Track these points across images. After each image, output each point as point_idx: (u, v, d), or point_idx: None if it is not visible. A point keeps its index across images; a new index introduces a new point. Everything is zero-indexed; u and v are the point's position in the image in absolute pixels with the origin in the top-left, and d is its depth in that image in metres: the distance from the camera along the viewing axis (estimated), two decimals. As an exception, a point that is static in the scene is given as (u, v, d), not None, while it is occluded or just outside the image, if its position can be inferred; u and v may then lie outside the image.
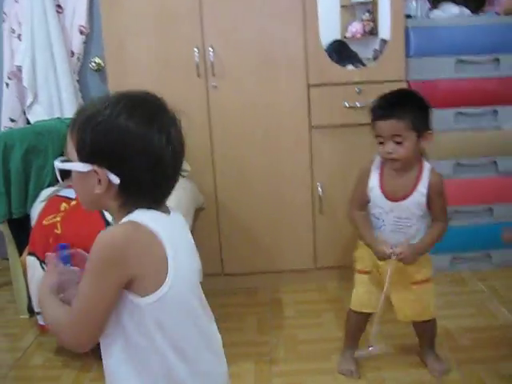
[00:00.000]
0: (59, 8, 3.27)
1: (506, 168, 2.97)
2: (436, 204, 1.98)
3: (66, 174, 1.16)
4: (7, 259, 2.90)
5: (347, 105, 2.78)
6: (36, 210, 2.57)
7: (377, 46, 3.24)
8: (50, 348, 2.55)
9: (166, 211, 1.17)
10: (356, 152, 2.78)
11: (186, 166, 2.69)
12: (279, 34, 2.79)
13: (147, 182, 1.10)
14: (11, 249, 2.80)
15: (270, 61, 2.80)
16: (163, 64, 2.81)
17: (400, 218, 2.00)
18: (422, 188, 1.96)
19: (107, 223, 2.10)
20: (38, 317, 2.47)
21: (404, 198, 1.98)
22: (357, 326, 2.23)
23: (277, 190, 2.93)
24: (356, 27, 3.41)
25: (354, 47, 3.28)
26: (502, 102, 2.95)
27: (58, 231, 2.32)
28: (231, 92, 2.82)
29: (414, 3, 3.02)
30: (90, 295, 1.06)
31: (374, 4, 3.36)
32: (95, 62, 3.37)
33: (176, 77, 2.80)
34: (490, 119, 2.96)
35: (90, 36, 3.36)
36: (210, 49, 2.75)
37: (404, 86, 2.75)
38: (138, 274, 1.04)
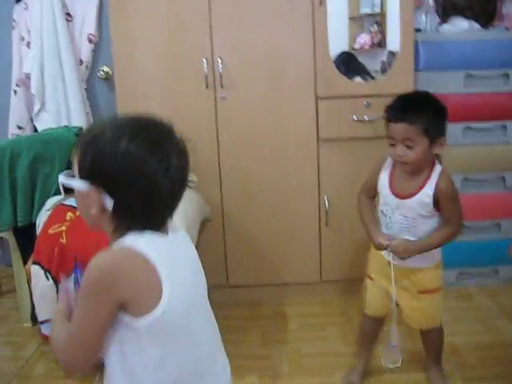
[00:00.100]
0: (69, 16, 3.28)
1: (514, 184, 2.95)
2: (445, 208, 1.94)
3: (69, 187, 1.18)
4: (12, 266, 2.89)
5: (355, 118, 2.77)
6: (41, 219, 2.57)
7: (384, 58, 3.24)
8: (52, 357, 2.53)
9: (165, 231, 1.17)
10: (363, 165, 2.73)
11: (192, 177, 2.69)
12: (288, 45, 2.78)
13: (141, 208, 1.10)
14: (16, 257, 2.80)
15: (279, 72, 2.79)
16: (172, 74, 2.80)
17: (406, 216, 1.98)
18: (429, 189, 1.94)
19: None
20: (42, 326, 2.46)
21: (410, 196, 1.96)
22: (369, 329, 2.23)
23: (283, 202, 2.91)
24: (364, 39, 3.41)
25: (361, 59, 3.28)
26: (512, 117, 2.94)
27: (64, 241, 2.31)
28: (239, 103, 2.81)
29: (423, 17, 3.02)
30: (82, 318, 1.09)
31: (383, 16, 3.36)
32: (103, 71, 3.37)
33: (184, 87, 2.80)
34: (498, 134, 2.94)
35: (99, 45, 3.37)
36: (219, 60, 2.75)
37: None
38: (130, 297, 1.06)
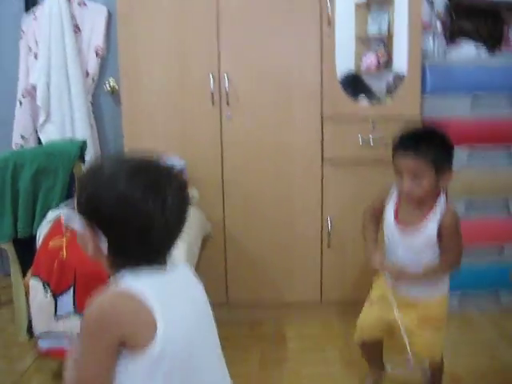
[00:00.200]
0: (77, 28, 3.29)
1: (517, 209, 2.94)
2: (445, 241, 1.95)
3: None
4: (10, 275, 2.88)
5: (361, 139, 2.77)
6: (42, 231, 2.55)
7: (390, 79, 3.24)
8: (47, 372, 2.51)
9: (163, 268, 1.18)
10: (368, 187, 2.75)
11: (194, 193, 2.68)
12: (295, 64, 2.79)
13: (137, 248, 1.13)
14: (15, 268, 2.77)
15: (285, 91, 2.80)
16: (178, 90, 2.81)
17: (410, 247, 1.99)
18: (433, 222, 1.94)
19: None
20: (40, 341, 2.43)
21: (414, 228, 1.96)
22: (369, 353, 2.22)
23: (286, 221, 2.90)
24: (370, 59, 3.41)
25: (367, 79, 3.28)
26: (517, 142, 2.93)
27: (63, 255, 2.29)
28: (244, 121, 2.81)
29: (430, 40, 3.02)
30: (83, 360, 1.11)
31: (389, 37, 3.37)
32: (110, 84, 3.38)
33: (190, 104, 2.80)
34: (503, 159, 2.94)
35: (106, 58, 3.37)
36: (226, 77, 2.75)
37: (418, 123, 2.73)
38: (127, 338, 1.08)
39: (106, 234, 1.12)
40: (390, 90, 3.14)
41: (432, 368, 2.15)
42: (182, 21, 2.77)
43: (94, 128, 3.37)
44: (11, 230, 2.70)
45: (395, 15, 3.26)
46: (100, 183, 1.12)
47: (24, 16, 3.33)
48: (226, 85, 2.75)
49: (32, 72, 3.29)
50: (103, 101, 3.45)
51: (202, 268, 2.56)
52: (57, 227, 2.48)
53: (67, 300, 2.28)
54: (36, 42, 3.28)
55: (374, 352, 2.24)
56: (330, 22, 2.73)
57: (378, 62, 3.41)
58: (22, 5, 3.35)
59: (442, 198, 1.97)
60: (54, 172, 2.73)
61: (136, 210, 1.09)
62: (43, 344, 2.37)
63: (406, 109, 2.77)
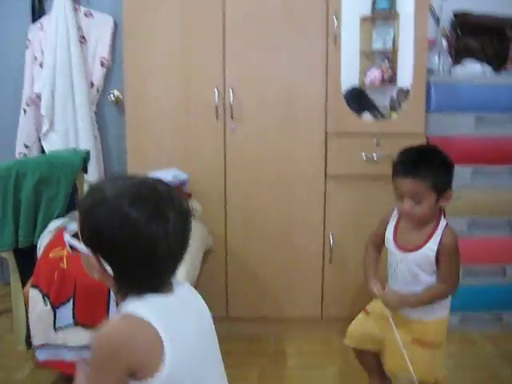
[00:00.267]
0: (83, 39, 3.30)
1: (520, 228, 2.92)
2: (443, 265, 1.93)
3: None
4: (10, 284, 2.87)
5: (364, 156, 2.76)
6: (43, 241, 2.54)
7: (394, 95, 3.24)
8: (45, 383, 2.48)
9: (168, 290, 1.18)
10: (370, 204, 2.75)
11: (197, 206, 2.67)
12: (300, 80, 2.79)
13: (141, 274, 1.13)
14: (14, 278, 2.76)
15: (290, 106, 2.79)
16: (182, 103, 2.81)
17: (409, 269, 1.97)
18: (433, 244, 1.93)
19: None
20: (38, 351, 2.41)
21: (414, 249, 1.95)
22: (365, 363, 2.21)
23: (288, 236, 2.89)
24: (375, 74, 3.42)
25: (371, 94, 3.28)
26: (521, 161, 2.93)
27: (64, 266, 2.28)
28: (248, 136, 2.81)
29: (436, 58, 3.02)
30: None
31: (394, 53, 3.37)
32: (114, 95, 3.38)
33: (194, 117, 2.80)
34: (507, 178, 2.93)
35: (111, 68, 3.38)
36: (231, 91, 2.75)
37: (423, 140, 2.73)
38: (136, 363, 1.08)
39: (109, 259, 1.12)
40: (394, 106, 3.15)
41: None
42: (188, 34, 2.77)
43: (97, 138, 3.37)
44: (12, 239, 2.69)
45: (400, 30, 3.28)
46: (102, 208, 1.11)
47: (30, 25, 3.34)
48: (231, 99, 2.75)
49: (37, 81, 3.30)
50: (107, 111, 3.46)
51: (202, 281, 2.55)
52: (58, 238, 2.47)
53: (66, 312, 2.27)
54: (42, 51, 3.29)
55: (367, 360, 2.22)
56: (336, 38, 2.72)
57: (383, 77, 3.42)
58: (28, 14, 3.37)
59: (442, 218, 1.97)
60: (57, 182, 2.73)
61: (139, 234, 1.09)
62: (41, 355, 2.36)
63: (411, 126, 2.77)
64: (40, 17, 3.35)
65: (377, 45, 3.44)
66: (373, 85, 3.37)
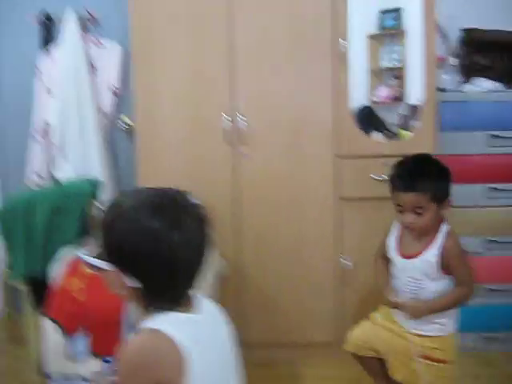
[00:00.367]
0: (92, 68, 3.33)
1: (539, 246, 2.87)
2: (454, 267, 1.94)
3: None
4: (23, 313, 2.86)
5: (375, 177, 2.74)
6: (56, 271, 2.54)
7: (403, 112, 3.22)
8: (59, 414, 2.46)
9: (190, 308, 1.19)
10: (382, 225, 2.70)
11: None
12: (309, 102, 2.79)
13: (163, 287, 1.14)
14: (27, 307, 2.76)
15: (299, 130, 2.80)
16: (192, 129, 2.82)
17: (413, 278, 1.98)
18: (434, 249, 1.94)
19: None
20: (51, 381, 2.40)
21: (415, 255, 1.97)
22: (369, 367, 2.20)
23: (300, 260, 2.87)
24: (383, 92, 3.40)
25: (380, 112, 3.27)
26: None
27: (77, 295, 2.27)
28: (258, 159, 2.81)
29: (446, 76, 3.01)
30: None
31: (402, 70, 3.36)
32: (124, 122, 3.39)
33: (204, 142, 2.81)
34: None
35: (121, 96, 3.40)
36: (240, 115, 2.75)
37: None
38: (162, 378, 1.09)
39: (132, 273, 1.13)
40: (403, 124, 3.13)
41: None
42: (197, 60, 2.79)
43: (108, 166, 3.38)
44: (24, 268, 2.70)
45: (408, 48, 3.27)
46: (122, 222, 1.13)
47: (40, 55, 3.37)
48: (241, 124, 2.75)
49: (47, 110, 3.32)
50: (118, 138, 3.47)
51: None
52: (70, 267, 2.46)
53: (80, 341, 2.26)
54: (52, 80, 3.31)
55: (371, 364, 2.20)
56: (343, 58, 2.72)
57: (391, 95, 3.40)
58: (38, 43, 3.39)
59: (444, 227, 1.97)
60: (68, 211, 2.73)
61: (161, 244, 1.10)
62: (54, 384, 2.35)
63: (421, 145, 2.73)
64: (49, 44, 3.37)
65: (385, 62, 3.43)
66: (382, 103, 3.35)
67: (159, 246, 1.10)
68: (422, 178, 1.90)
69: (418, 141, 2.77)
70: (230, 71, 2.77)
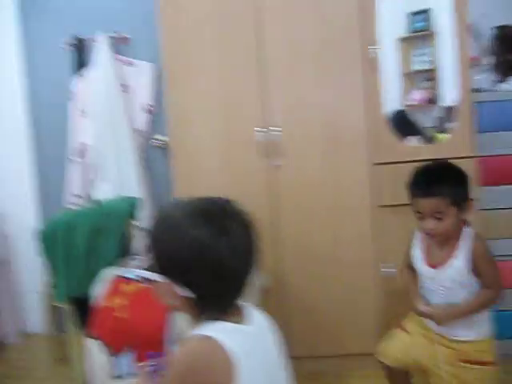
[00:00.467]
0: (125, 87, 3.38)
1: None
2: (482, 270, 1.92)
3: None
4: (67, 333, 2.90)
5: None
6: (98, 290, 2.56)
7: (438, 115, 3.18)
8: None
9: (239, 318, 1.19)
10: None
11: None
12: (342, 110, 2.77)
13: (214, 295, 1.14)
14: (71, 327, 2.80)
15: (333, 138, 2.78)
16: (226, 143, 2.83)
17: (444, 286, 1.96)
18: (462, 254, 1.92)
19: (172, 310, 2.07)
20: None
21: (444, 265, 1.95)
22: (391, 377, 2.16)
23: (341, 269, 2.84)
24: (417, 95, 3.36)
25: (414, 115, 3.23)
26: None
27: (120, 315, 2.29)
28: (294, 171, 2.80)
29: (480, 76, 2.95)
30: None
31: (435, 72, 3.32)
32: (159, 139, 3.42)
33: (240, 157, 2.82)
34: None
35: (154, 113, 3.44)
36: (273, 128, 2.76)
37: (474, 162, 2.65)
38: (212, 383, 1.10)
39: (184, 283, 1.13)
40: (439, 126, 3.08)
41: None
42: (227, 74, 2.81)
43: (145, 184, 3.42)
44: (67, 289, 2.73)
45: (439, 49, 3.22)
46: (171, 234, 1.14)
47: (73, 78, 3.43)
48: (274, 136, 2.75)
49: (82, 131, 3.38)
50: (153, 156, 3.51)
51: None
52: (112, 287, 2.49)
53: (125, 360, 2.28)
54: (86, 102, 3.37)
55: (400, 380, 2.17)
56: (374, 63, 2.70)
57: (425, 98, 3.36)
58: (71, 67, 3.47)
59: (467, 231, 1.95)
60: (108, 230, 2.77)
61: (210, 254, 1.11)
62: (101, 404, 2.36)
63: (458, 148, 2.69)
64: (82, 68, 3.44)
65: (416, 65, 3.39)
66: (416, 106, 3.31)
67: (209, 255, 1.11)
68: (440, 182, 1.90)
69: (455, 143, 2.72)
70: (261, 84, 2.78)
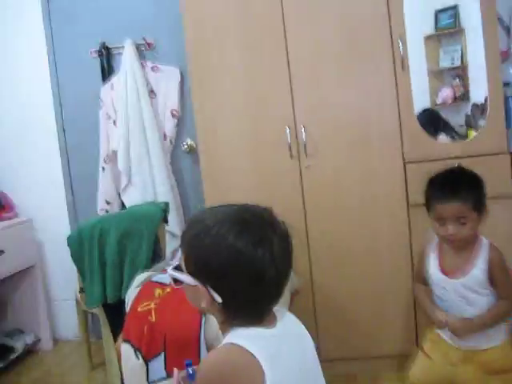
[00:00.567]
0: (152, 93, 3.40)
1: None
2: (499, 280, 1.91)
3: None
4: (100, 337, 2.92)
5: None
6: (130, 295, 2.57)
7: (469, 112, 3.13)
8: None
9: (271, 323, 1.18)
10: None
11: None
12: (371, 109, 2.74)
13: (248, 302, 1.14)
14: (106, 333, 2.81)
15: (364, 137, 2.75)
16: (255, 146, 2.82)
17: (463, 297, 1.93)
18: (481, 263, 1.90)
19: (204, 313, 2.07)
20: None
21: (464, 274, 1.92)
22: None
23: (374, 269, 2.80)
24: (446, 93, 3.31)
25: (444, 113, 3.18)
26: None
27: (153, 319, 2.29)
28: (325, 170, 2.78)
29: (510, 69, 2.90)
30: None
31: (464, 69, 3.27)
32: (187, 144, 3.43)
33: (268, 158, 2.81)
34: None
35: (182, 118, 3.45)
36: (302, 128, 2.74)
37: (507, 158, 2.60)
38: None
39: (217, 288, 1.13)
40: (471, 123, 3.03)
41: None
42: (253, 76, 2.80)
43: (175, 189, 3.43)
44: (101, 295, 2.75)
45: (468, 45, 3.18)
46: (206, 239, 1.13)
47: (102, 86, 3.47)
48: (304, 136, 2.74)
49: (112, 138, 3.40)
50: (182, 161, 3.52)
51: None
52: (145, 291, 2.49)
53: (158, 365, 2.27)
54: (114, 109, 3.40)
55: None
56: (403, 61, 2.67)
57: (455, 96, 3.31)
58: (99, 75, 3.50)
59: (483, 240, 1.95)
60: (139, 235, 2.78)
61: (246, 261, 1.11)
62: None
63: (491, 144, 2.64)
64: (109, 76, 3.48)
65: (444, 63, 3.34)
66: (445, 104, 3.26)
67: (243, 262, 1.11)
68: (463, 186, 1.90)
69: (487, 139, 2.66)
70: (288, 85, 2.76)
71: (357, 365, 2.89)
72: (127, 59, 3.35)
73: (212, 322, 2.11)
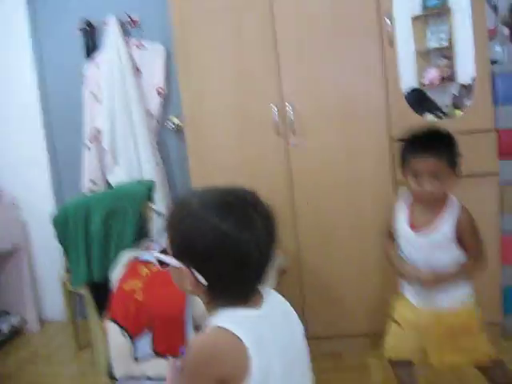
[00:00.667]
0: (137, 70, 3.35)
1: None
2: (467, 241, 1.95)
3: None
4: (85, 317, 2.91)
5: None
6: (116, 274, 2.56)
7: (455, 92, 3.12)
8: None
9: (257, 303, 1.19)
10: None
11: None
12: (358, 86, 2.73)
13: (233, 283, 1.14)
14: (92, 312, 2.81)
15: (350, 115, 2.73)
16: (242, 123, 2.80)
17: (427, 250, 1.97)
18: (450, 220, 1.94)
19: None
20: (120, 382, 2.42)
21: (431, 230, 1.96)
22: (406, 377, 2.14)
23: (360, 248, 2.81)
24: (433, 73, 3.30)
25: (431, 94, 3.18)
26: None
27: (140, 298, 2.28)
28: (311, 149, 2.77)
29: (498, 48, 2.89)
30: None
31: (450, 49, 3.26)
32: (173, 122, 3.40)
33: (255, 136, 2.79)
34: None
35: (168, 96, 3.41)
36: (289, 106, 2.72)
37: (493, 136, 2.60)
38: (226, 375, 1.10)
39: (202, 270, 1.13)
40: (457, 103, 3.03)
41: (495, 373, 2.05)
42: (239, 53, 2.77)
43: (160, 167, 3.40)
44: (86, 274, 2.74)
45: (455, 25, 3.17)
46: (191, 221, 1.14)
47: (86, 63, 3.41)
48: (290, 114, 2.72)
49: (96, 117, 3.36)
50: (168, 139, 3.49)
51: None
52: (131, 270, 2.48)
53: (145, 343, 2.28)
54: (98, 86, 3.35)
55: (405, 372, 2.16)
56: (391, 39, 2.65)
57: (441, 76, 3.30)
58: (81, 51, 3.44)
59: (454, 199, 1.98)
60: (124, 214, 2.76)
61: (231, 243, 1.11)
62: (123, 387, 2.36)
63: (478, 122, 2.65)
64: (93, 53, 3.42)
65: (432, 43, 3.33)
66: (432, 84, 3.26)
67: (229, 245, 1.10)
68: (438, 143, 1.93)
69: (474, 117, 2.67)
70: (274, 62, 2.73)
71: (342, 343, 2.91)
72: (111, 36, 3.30)
73: (198, 301, 2.11)
